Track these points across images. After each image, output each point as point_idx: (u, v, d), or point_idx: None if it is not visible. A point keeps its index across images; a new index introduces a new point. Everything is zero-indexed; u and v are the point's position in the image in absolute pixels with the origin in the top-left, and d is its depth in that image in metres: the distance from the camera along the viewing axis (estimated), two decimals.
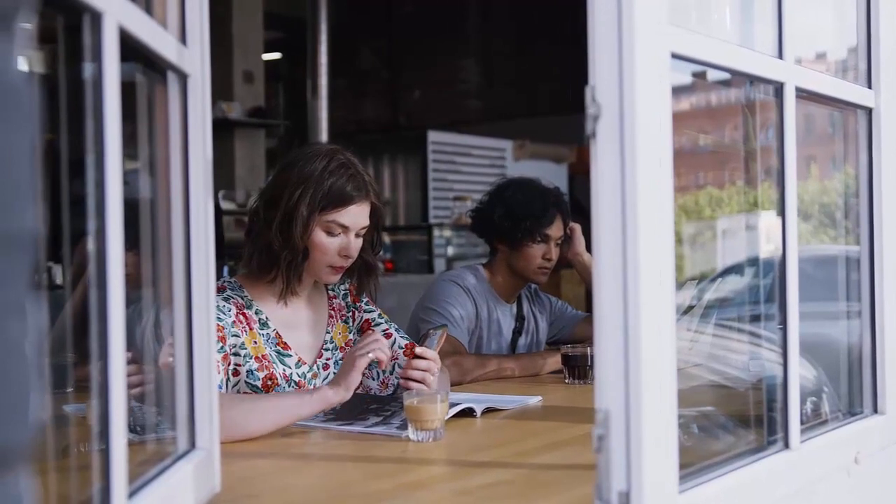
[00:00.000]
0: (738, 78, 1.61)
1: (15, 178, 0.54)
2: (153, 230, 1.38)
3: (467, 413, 2.12)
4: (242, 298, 2.22)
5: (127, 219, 1.07)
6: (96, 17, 1.00)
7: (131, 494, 1.10)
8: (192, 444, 1.38)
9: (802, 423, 1.57)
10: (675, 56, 1.26)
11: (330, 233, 2.19)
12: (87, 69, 1.03)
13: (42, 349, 0.59)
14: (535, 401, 2.36)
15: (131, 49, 1.12)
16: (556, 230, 3.02)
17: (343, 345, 2.37)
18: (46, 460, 1.12)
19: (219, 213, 4.37)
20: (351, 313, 2.42)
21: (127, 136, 1.07)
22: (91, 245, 1.03)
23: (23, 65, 0.57)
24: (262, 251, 2.20)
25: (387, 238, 7.83)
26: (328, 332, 2.35)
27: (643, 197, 1.17)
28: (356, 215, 2.21)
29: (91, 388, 1.07)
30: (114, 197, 1.03)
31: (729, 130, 2.06)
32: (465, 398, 2.16)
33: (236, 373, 2.13)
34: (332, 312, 2.39)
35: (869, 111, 1.83)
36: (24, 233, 0.55)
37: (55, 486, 1.18)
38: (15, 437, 0.55)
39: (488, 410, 2.19)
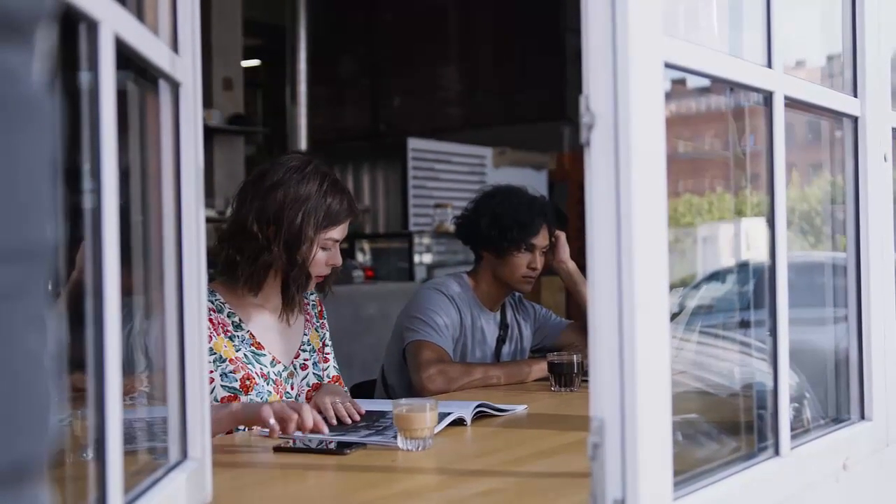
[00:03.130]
0: (718, 85, 1.62)
1: (35, 190, 0.54)
2: (143, 239, 1.37)
3: (457, 422, 2.12)
4: (213, 302, 2.26)
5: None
6: (93, 26, 1.00)
7: None
8: (184, 455, 1.37)
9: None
10: (668, 65, 1.26)
11: (324, 248, 2.30)
12: (83, 77, 1.03)
13: (60, 361, 0.58)
14: (521, 409, 2.36)
15: (124, 57, 1.12)
16: (541, 239, 3.03)
17: (317, 348, 2.46)
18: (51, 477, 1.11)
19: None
20: (320, 323, 2.52)
21: (118, 144, 1.07)
22: (86, 254, 1.02)
23: (41, 77, 0.56)
24: (263, 269, 2.26)
25: (367, 245, 7.81)
26: (305, 335, 2.43)
27: (638, 205, 1.17)
28: (345, 228, 2.34)
29: (79, 399, 1.06)
30: (110, 205, 1.02)
31: (709, 137, 2.08)
32: (454, 406, 2.16)
33: (209, 380, 2.15)
34: (308, 316, 2.47)
35: (855, 119, 1.85)
36: (44, 244, 0.55)
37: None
38: (37, 449, 0.54)
39: (479, 415, 2.19)
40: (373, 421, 2.13)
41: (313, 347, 2.44)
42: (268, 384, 2.25)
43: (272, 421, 1.90)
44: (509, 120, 9.35)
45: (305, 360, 2.41)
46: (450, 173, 8.40)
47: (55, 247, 0.57)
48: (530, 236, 3.00)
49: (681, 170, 2.08)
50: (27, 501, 0.54)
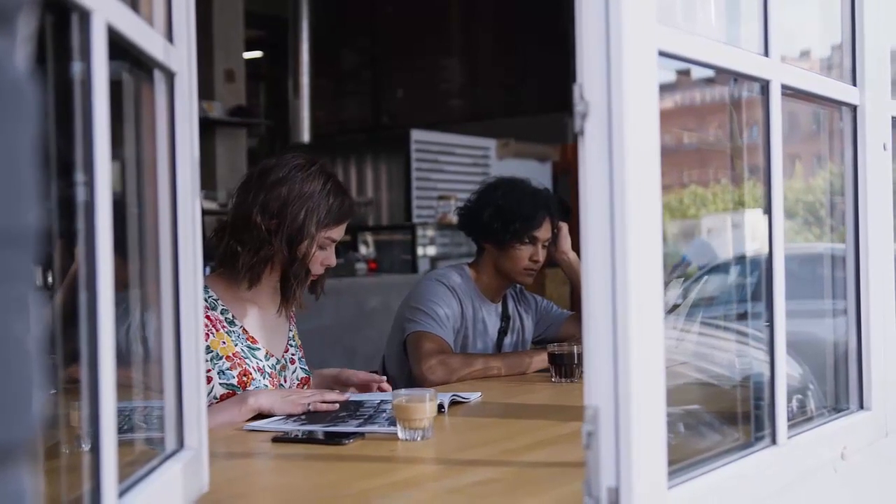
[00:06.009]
0: (723, 76, 1.62)
1: (19, 176, 0.54)
2: (139, 231, 1.37)
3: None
4: (206, 300, 2.28)
5: (112, 219, 1.06)
6: (85, 16, 1.00)
7: (121, 494, 1.09)
8: (181, 444, 1.37)
9: (789, 419, 1.58)
10: (662, 54, 1.26)
11: (321, 247, 2.33)
12: (75, 67, 1.03)
13: (43, 345, 0.59)
14: (475, 397, 2.38)
15: (118, 47, 1.12)
16: (544, 232, 3.02)
17: (299, 346, 2.51)
18: (35, 461, 1.11)
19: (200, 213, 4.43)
20: (295, 323, 2.56)
21: (112, 136, 1.07)
22: (79, 246, 1.02)
23: (24, 63, 0.57)
24: (263, 262, 2.29)
25: (370, 238, 7.82)
26: (291, 331, 2.48)
27: (631, 194, 1.17)
28: (343, 230, 2.38)
29: (77, 390, 1.06)
30: (103, 197, 1.02)
31: (713, 128, 2.07)
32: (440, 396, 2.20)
33: (208, 380, 2.18)
34: (291, 315, 2.50)
35: (854, 108, 1.84)
36: (28, 230, 0.56)
37: (43, 487, 1.17)
38: (19, 433, 0.55)
39: (454, 403, 2.24)
40: (353, 411, 2.14)
41: (297, 344, 2.50)
42: (264, 378, 2.29)
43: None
44: (512, 111, 9.34)
45: (293, 355, 2.46)
46: (453, 165, 8.39)
47: (40, 233, 0.57)
48: (533, 229, 2.99)
49: (686, 161, 2.08)
50: (9, 484, 0.54)
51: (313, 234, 2.28)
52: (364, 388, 2.44)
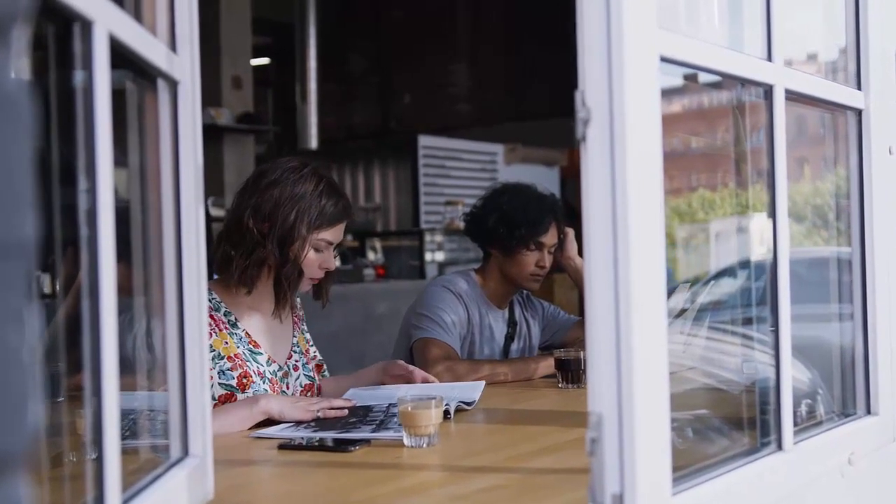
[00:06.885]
0: (730, 80, 1.62)
1: (14, 187, 0.54)
2: (144, 239, 1.38)
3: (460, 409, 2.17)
4: (210, 301, 2.29)
5: (116, 228, 1.07)
6: (87, 26, 1.00)
7: (125, 502, 1.09)
8: (186, 452, 1.38)
9: (797, 424, 1.57)
10: (664, 59, 1.26)
11: (317, 249, 2.33)
12: (77, 77, 1.03)
13: (39, 356, 0.59)
14: (480, 387, 2.42)
15: (121, 56, 1.12)
16: (550, 238, 3.02)
17: (304, 351, 2.50)
18: (40, 469, 1.12)
19: (208, 220, 4.43)
20: (304, 325, 2.56)
21: (116, 144, 1.07)
22: (82, 254, 1.03)
23: (20, 74, 0.57)
24: (256, 265, 2.29)
25: (378, 243, 7.82)
26: (294, 337, 2.48)
27: (634, 200, 1.17)
28: (341, 232, 2.37)
29: (83, 397, 1.07)
30: (105, 205, 1.02)
31: (721, 132, 2.07)
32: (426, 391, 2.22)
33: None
34: (296, 320, 2.51)
35: (858, 112, 1.84)
36: (23, 241, 0.56)
37: (48, 495, 1.17)
38: (14, 443, 0.55)
39: (459, 410, 2.24)
40: (363, 416, 2.14)
41: (301, 350, 2.49)
42: (264, 382, 2.29)
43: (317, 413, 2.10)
44: (520, 116, 9.32)
45: (296, 361, 2.45)
46: (461, 170, 8.39)
47: (39, 243, 0.57)
48: (539, 234, 2.99)
49: (694, 164, 2.07)
50: (6, 493, 0.54)
51: (304, 235, 2.28)
52: (406, 380, 2.47)
